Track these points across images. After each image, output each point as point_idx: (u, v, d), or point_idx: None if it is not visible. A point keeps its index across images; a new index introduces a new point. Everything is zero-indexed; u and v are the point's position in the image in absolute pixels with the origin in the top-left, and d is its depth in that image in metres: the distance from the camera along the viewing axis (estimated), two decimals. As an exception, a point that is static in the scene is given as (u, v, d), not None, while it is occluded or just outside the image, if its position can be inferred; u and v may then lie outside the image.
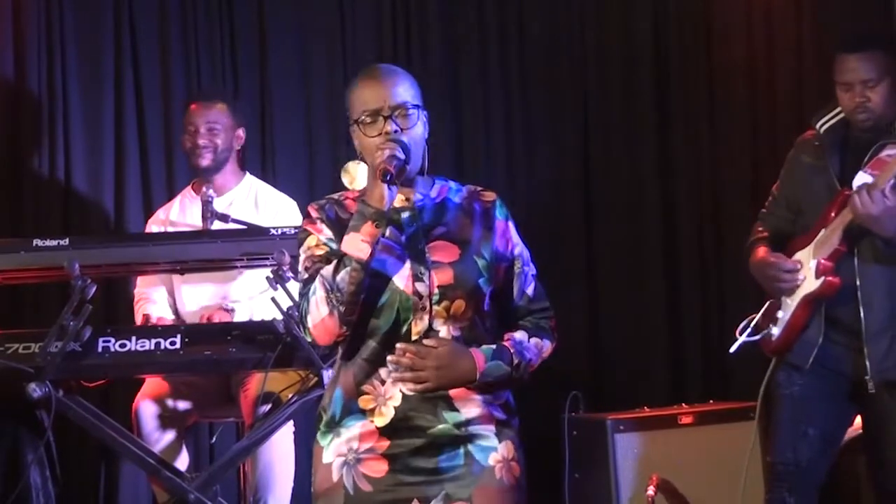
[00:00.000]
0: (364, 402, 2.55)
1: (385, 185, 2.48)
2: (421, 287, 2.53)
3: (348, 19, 5.30)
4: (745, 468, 3.85)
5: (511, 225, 2.69)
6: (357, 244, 2.46)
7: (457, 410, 2.54)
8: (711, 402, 4.75)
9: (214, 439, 4.69)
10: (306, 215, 2.64)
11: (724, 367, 5.15)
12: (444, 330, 2.54)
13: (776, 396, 3.71)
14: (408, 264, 2.55)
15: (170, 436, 4.06)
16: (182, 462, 4.06)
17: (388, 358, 2.53)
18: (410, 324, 2.53)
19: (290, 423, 4.05)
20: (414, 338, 2.53)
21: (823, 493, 3.69)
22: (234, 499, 4.37)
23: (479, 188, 2.72)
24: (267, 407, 3.86)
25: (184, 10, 5.09)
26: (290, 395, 3.79)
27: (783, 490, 3.64)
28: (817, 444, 3.62)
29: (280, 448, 4.10)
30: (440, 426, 2.53)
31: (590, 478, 4.35)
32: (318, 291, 2.48)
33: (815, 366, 3.59)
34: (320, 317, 2.48)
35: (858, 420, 3.75)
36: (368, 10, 5.34)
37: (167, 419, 4.07)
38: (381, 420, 2.53)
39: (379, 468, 2.53)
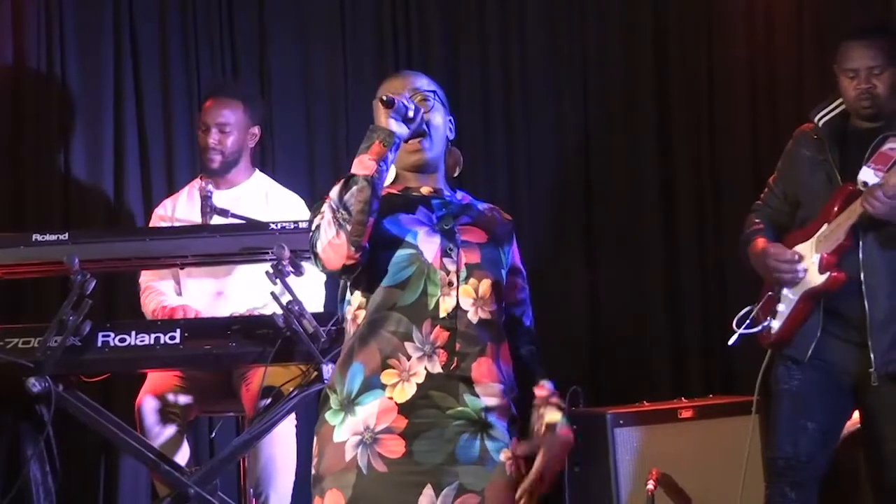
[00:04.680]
0: (387, 377, 2.52)
1: (386, 111, 2.52)
2: (449, 263, 2.56)
3: (348, 18, 5.30)
4: (745, 462, 3.85)
5: (518, 252, 2.75)
6: (364, 163, 2.49)
7: (477, 396, 2.54)
8: (711, 396, 4.75)
9: (214, 433, 4.70)
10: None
11: (724, 361, 5.15)
12: (472, 311, 2.55)
13: (775, 392, 3.72)
14: (437, 238, 2.57)
15: (171, 430, 4.06)
16: (182, 456, 4.06)
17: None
18: (438, 300, 2.53)
19: (292, 417, 4.06)
20: (442, 315, 2.53)
21: (823, 488, 3.69)
22: (235, 493, 4.37)
23: (498, 207, 2.79)
24: (267, 401, 3.86)
25: (183, 7, 5.09)
26: (290, 390, 3.79)
27: (784, 484, 3.65)
28: (817, 438, 3.63)
29: (282, 442, 4.11)
30: (459, 408, 2.53)
31: (590, 472, 4.35)
32: (325, 214, 2.49)
33: (814, 359, 3.60)
34: (328, 238, 2.48)
35: (857, 414, 3.75)
36: (368, 9, 5.33)
37: (169, 414, 4.07)
38: (402, 396, 2.51)
39: (396, 448, 2.51)
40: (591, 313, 5.42)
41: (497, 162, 5.43)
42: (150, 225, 4.47)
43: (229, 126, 4.35)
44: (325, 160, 5.23)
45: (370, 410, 2.52)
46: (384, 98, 2.54)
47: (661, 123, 5.51)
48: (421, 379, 2.52)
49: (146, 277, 4.38)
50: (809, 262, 3.58)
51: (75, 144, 4.90)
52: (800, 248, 3.63)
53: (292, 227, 3.70)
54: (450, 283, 2.54)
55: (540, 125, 5.49)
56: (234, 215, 4.05)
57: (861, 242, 3.52)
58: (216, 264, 4.03)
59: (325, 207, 2.49)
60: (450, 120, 2.73)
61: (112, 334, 3.65)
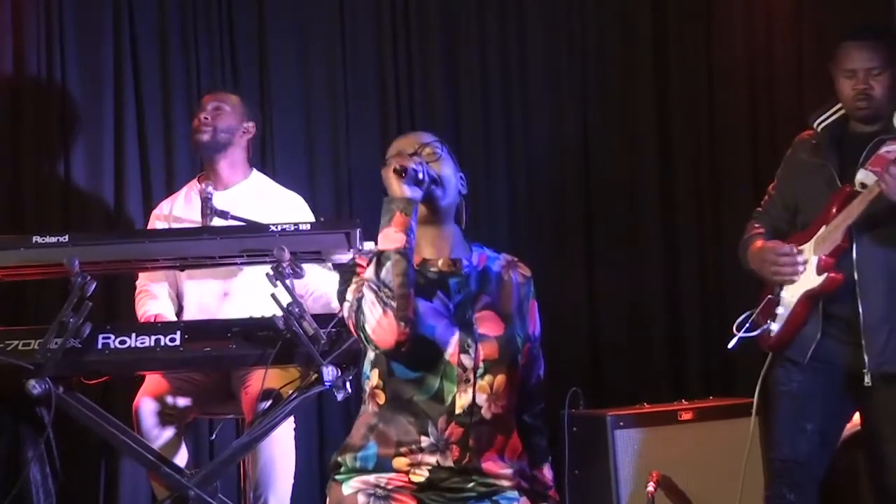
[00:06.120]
0: (398, 464, 2.57)
1: (399, 180, 2.51)
2: (466, 359, 2.56)
3: (348, 18, 5.30)
4: (744, 464, 3.85)
5: (536, 305, 2.75)
6: (391, 236, 2.49)
7: (487, 477, 2.59)
8: (711, 398, 4.75)
9: (214, 436, 4.69)
10: (356, 265, 2.66)
11: (724, 363, 5.15)
12: (485, 407, 2.57)
13: (775, 393, 3.73)
14: (455, 332, 2.57)
15: (169, 432, 4.05)
16: (182, 458, 4.05)
17: None
18: (454, 396, 2.55)
19: (291, 419, 4.05)
20: (458, 411, 2.55)
21: (822, 489, 3.70)
22: (235, 495, 4.37)
23: (516, 259, 2.77)
24: (267, 403, 3.86)
25: (183, 7, 5.09)
26: (290, 392, 3.79)
27: (782, 486, 3.65)
28: (816, 439, 3.63)
29: (281, 445, 4.10)
30: (469, 485, 2.58)
31: (590, 474, 4.35)
32: (366, 295, 2.47)
33: (813, 361, 3.61)
34: (375, 318, 2.46)
35: (857, 416, 3.76)
36: (368, 9, 5.33)
37: (167, 416, 4.07)
38: (416, 478, 2.57)
39: (408, 502, 2.56)
40: (591, 314, 5.42)
41: (497, 162, 5.43)
42: (148, 226, 4.47)
43: (223, 109, 4.36)
44: (325, 161, 5.22)
45: (382, 481, 2.57)
46: (397, 168, 2.52)
47: (661, 123, 5.51)
48: (431, 467, 2.56)
49: (142, 280, 4.38)
50: (808, 264, 3.59)
51: (75, 146, 4.89)
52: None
53: (293, 228, 3.69)
54: (466, 380, 2.55)
55: (539, 125, 5.48)
56: (234, 217, 4.05)
57: (855, 243, 3.53)
58: (217, 266, 4.02)
59: (365, 289, 2.48)
60: (461, 176, 2.72)
61: (112, 336, 3.63)
